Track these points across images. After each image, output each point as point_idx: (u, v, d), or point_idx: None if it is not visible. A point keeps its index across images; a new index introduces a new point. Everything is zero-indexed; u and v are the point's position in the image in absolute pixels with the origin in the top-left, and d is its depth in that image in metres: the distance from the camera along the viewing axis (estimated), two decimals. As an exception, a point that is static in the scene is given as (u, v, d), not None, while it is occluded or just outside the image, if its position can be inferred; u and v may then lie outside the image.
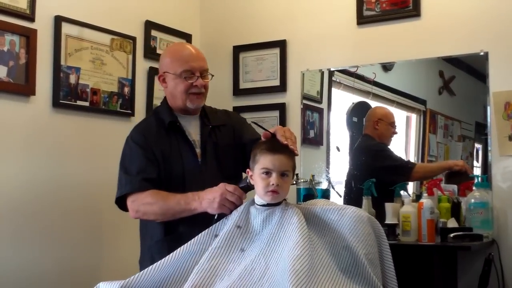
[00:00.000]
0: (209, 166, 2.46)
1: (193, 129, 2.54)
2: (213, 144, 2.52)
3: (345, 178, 3.61)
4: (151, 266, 2.06)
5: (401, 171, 3.44)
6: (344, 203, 3.17)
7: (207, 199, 2.23)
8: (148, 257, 2.45)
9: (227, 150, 2.54)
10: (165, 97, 2.61)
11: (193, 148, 2.49)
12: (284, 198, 2.15)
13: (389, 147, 3.57)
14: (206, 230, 2.14)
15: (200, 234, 2.13)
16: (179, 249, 2.09)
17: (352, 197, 3.45)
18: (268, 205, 2.11)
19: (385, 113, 3.58)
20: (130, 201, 2.39)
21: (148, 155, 2.42)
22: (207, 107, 2.63)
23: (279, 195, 2.09)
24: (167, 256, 2.08)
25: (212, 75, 2.59)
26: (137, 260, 2.54)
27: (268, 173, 2.08)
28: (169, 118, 2.51)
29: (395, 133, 3.54)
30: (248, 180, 2.20)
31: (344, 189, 3.60)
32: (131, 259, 2.61)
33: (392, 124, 3.55)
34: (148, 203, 2.35)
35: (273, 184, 2.06)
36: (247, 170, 2.19)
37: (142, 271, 2.05)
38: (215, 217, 2.22)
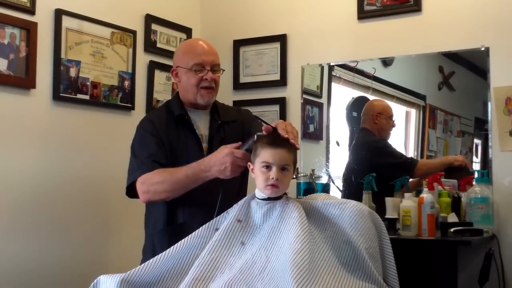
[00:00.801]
0: None
1: (202, 124, 2.56)
2: (221, 140, 2.52)
3: (343, 173, 3.60)
4: (151, 259, 2.06)
5: (404, 168, 3.42)
6: (343, 198, 3.16)
7: (216, 167, 2.24)
8: (149, 245, 2.48)
9: None
10: (177, 91, 2.63)
11: (200, 143, 2.51)
12: (285, 192, 2.14)
13: (389, 141, 3.56)
14: (207, 224, 2.14)
15: (200, 228, 2.13)
16: (179, 242, 2.09)
17: (352, 192, 3.44)
18: (269, 199, 2.11)
19: (384, 107, 3.57)
20: (139, 184, 2.40)
21: (158, 141, 2.45)
22: (218, 103, 2.64)
23: (279, 189, 2.09)
24: (168, 250, 2.08)
25: (223, 70, 2.60)
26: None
27: (268, 167, 2.08)
28: (179, 111, 2.53)
29: (394, 126, 3.54)
30: (251, 143, 2.18)
31: (342, 183, 3.60)
32: (136, 251, 2.61)
33: (391, 117, 3.54)
34: (157, 182, 2.36)
35: (272, 178, 2.06)
36: (249, 164, 2.18)
37: (143, 264, 2.05)
38: (220, 194, 2.24)
